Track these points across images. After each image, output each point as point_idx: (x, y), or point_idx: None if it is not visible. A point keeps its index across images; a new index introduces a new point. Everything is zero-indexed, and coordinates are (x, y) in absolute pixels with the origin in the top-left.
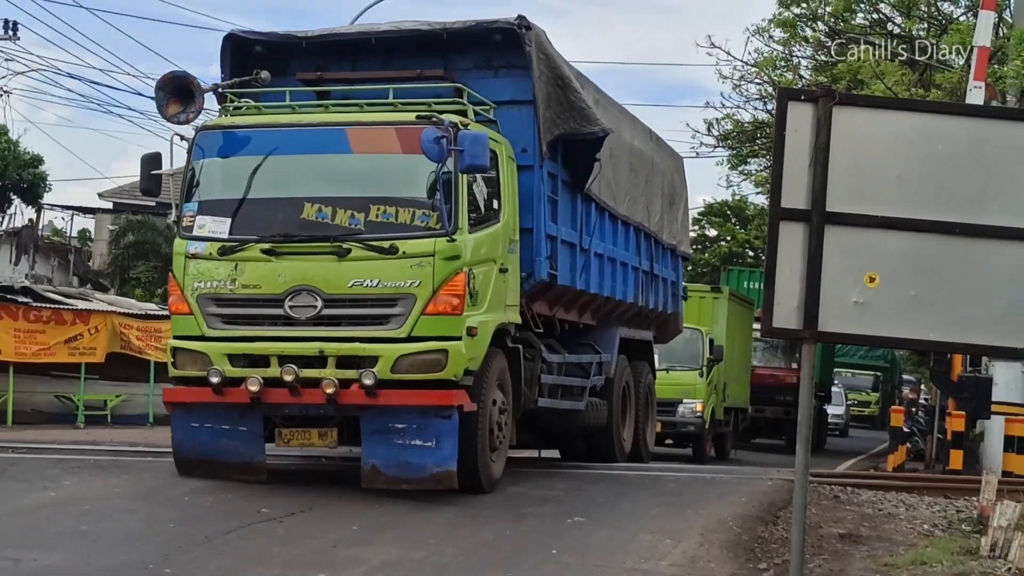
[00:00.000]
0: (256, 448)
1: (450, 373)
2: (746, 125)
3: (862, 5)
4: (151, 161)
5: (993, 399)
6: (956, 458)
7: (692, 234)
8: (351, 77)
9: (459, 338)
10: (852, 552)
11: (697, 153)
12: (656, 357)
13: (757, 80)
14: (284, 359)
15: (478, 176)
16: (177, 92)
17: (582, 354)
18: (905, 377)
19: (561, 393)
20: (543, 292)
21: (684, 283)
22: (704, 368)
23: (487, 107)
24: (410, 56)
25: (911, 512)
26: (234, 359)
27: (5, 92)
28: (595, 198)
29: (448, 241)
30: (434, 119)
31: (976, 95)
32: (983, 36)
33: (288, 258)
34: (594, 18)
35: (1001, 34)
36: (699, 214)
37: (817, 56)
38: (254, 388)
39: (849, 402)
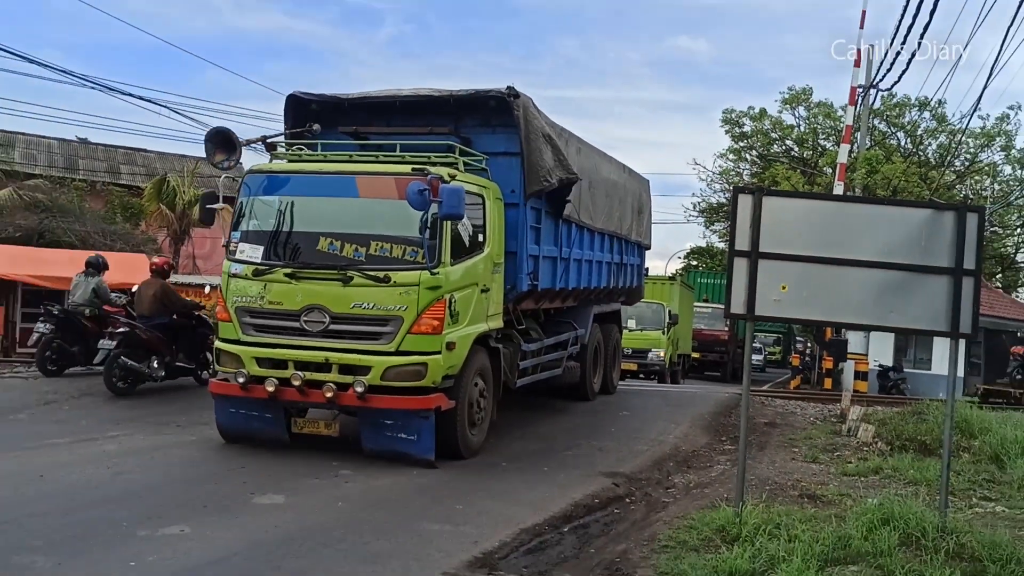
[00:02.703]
0: (280, 430)
1: (429, 381)
2: (714, 205)
3: (777, 143)
4: (208, 197)
5: (848, 351)
6: (828, 383)
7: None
8: (379, 131)
9: (438, 352)
10: (772, 432)
11: (688, 219)
12: (631, 322)
13: (719, 182)
14: (299, 364)
15: (464, 217)
16: (222, 143)
17: (560, 333)
18: (798, 338)
19: (541, 368)
20: (528, 296)
21: (647, 267)
22: (665, 328)
23: (480, 158)
24: (430, 115)
25: (804, 412)
26: (260, 361)
27: None
28: (575, 221)
29: (431, 274)
30: (425, 173)
31: (838, 189)
32: (843, 156)
33: (305, 281)
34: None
35: (852, 154)
36: (687, 253)
37: (752, 168)
38: (271, 388)
39: (764, 352)
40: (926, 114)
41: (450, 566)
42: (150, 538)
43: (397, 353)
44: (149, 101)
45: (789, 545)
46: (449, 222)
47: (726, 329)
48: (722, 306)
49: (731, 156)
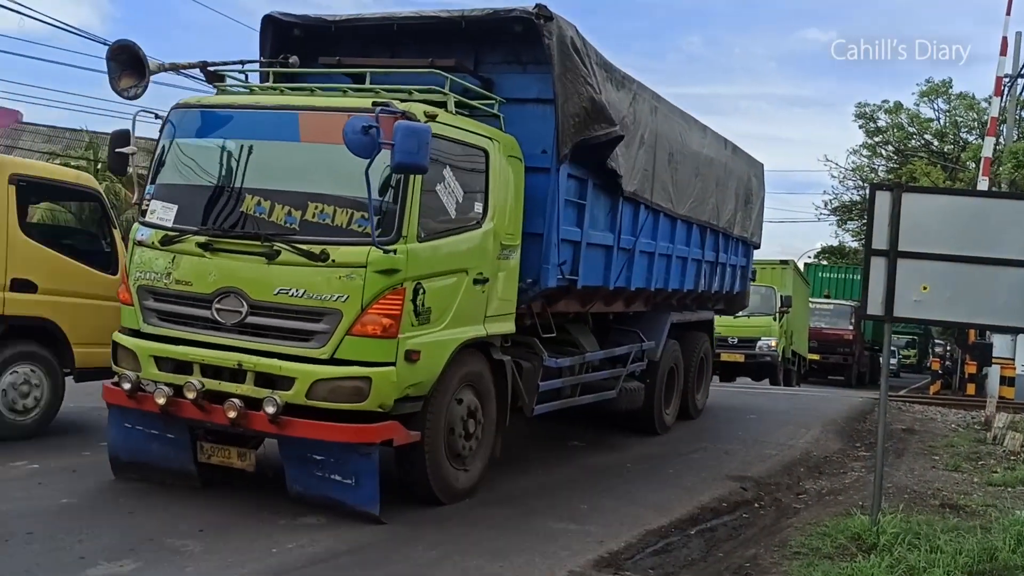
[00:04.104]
0: (185, 456)
1: (374, 403)
2: (847, 203)
3: (914, 137)
4: (119, 139)
5: (993, 355)
6: (971, 389)
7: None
8: (365, 63)
9: (391, 363)
10: (910, 438)
11: (818, 218)
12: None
13: (852, 178)
14: (205, 368)
15: (446, 173)
16: (130, 63)
17: (619, 344)
18: (936, 340)
19: (582, 389)
20: (564, 295)
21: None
22: (776, 315)
23: (491, 102)
24: (440, 45)
25: (944, 418)
26: (160, 361)
27: None
28: (644, 201)
29: (383, 251)
30: (380, 106)
31: (983, 184)
32: (987, 150)
33: (222, 255)
34: (751, 145)
35: (998, 147)
36: (817, 253)
37: (887, 164)
38: (161, 400)
39: (898, 356)
40: None
41: (576, 565)
42: None
43: (332, 361)
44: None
45: (930, 556)
46: (416, 179)
47: (851, 328)
48: (847, 302)
49: (865, 152)
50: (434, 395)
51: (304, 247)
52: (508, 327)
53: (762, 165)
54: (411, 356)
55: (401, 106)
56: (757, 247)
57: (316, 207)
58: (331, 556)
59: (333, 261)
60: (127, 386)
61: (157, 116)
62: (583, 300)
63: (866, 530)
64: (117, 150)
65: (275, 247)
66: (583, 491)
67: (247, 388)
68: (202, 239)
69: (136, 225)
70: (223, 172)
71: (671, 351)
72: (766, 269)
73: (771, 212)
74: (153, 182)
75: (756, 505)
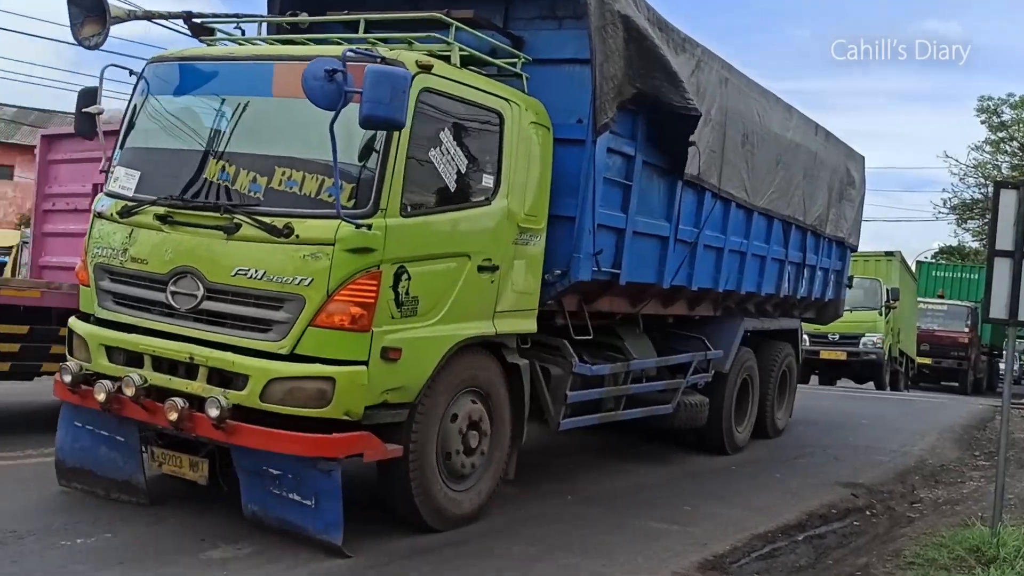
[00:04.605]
0: (133, 464)
1: (339, 410)
2: (968, 201)
3: None
4: (86, 96)
5: None
6: None
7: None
8: (373, 15)
9: (362, 362)
10: None
11: (936, 217)
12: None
13: (973, 176)
14: (156, 361)
15: (444, 137)
16: (94, 9)
17: (677, 352)
18: None
19: (626, 402)
20: (604, 290)
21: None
22: (882, 309)
23: (513, 59)
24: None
25: None
26: (110, 352)
27: None
28: (708, 187)
29: (355, 226)
30: (356, 53)
31: None
32: None
33: (180, 229)
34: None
35: None
36: (935, 254)
37: (1012, 161)
38: (100, 396)
39: (1020, 362)
40: None
41: (679, 566)
42: None
43: (292, 357)
44: None
45: None
46: (400, 140)
47: (967, 331)
48: (962, 303)
49: (987, 148)
50: (423, 403)
51: (266, 220)
52: (526, 325)
53: (863, 157)
54: (388, 354)
55: (387, 53)
56: (854, 249)
57: (283, 173)
58: (434, 549)
59: (297, 237)
60: (67, 378)
61: (132, 72)
62: (632, 299)
63: (986, 542)
64: (84, 110)
65: (235, 220)
66: (684, 493)
67: (198, 386)
68: (160, 210)
69: (99, 196)
70: (191, 134)
71: (744, 362)
72: (870, 261)
73: (884, 210)
74: (122, 147)
75: (868, 513)
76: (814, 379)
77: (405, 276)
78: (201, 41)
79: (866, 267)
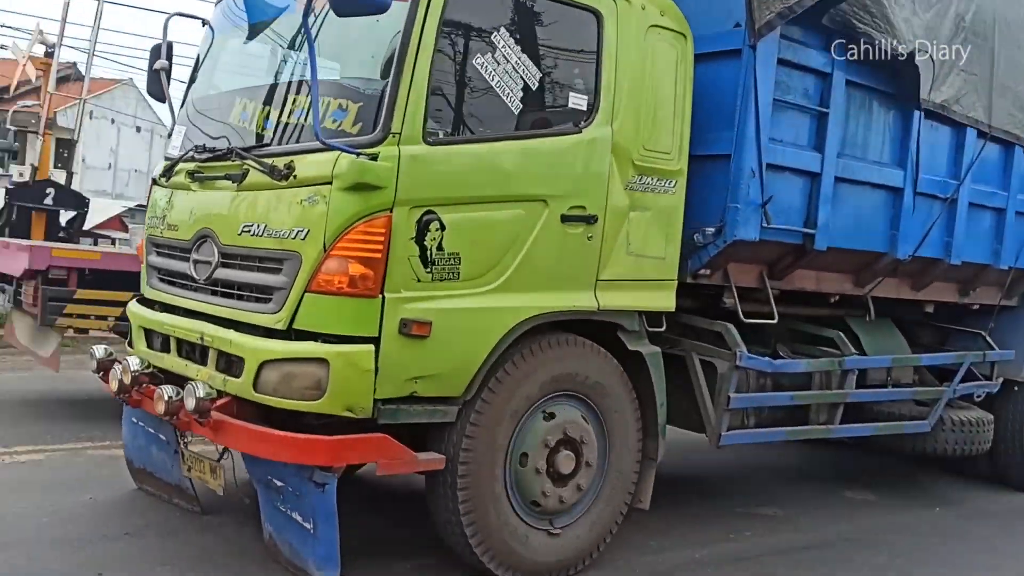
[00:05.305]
0: (177, 467)
1: (338, 404)
2: None
3: None
4: (155, 53)
5: None
6: None
7: None
8: None
9: (368, 339)
10: None
11: None
12: None
13: None
14: (179, 344)
15: (499, 40)
16: None
17: (932, 352)
18: None
19: (842, 414)
20: (797, 258)
21: None
22: None
23: None
24: None
25: None
26: (150, 336)
27: None
28: (966, 121)
29: (354, 156)
30: None
31: None
32: None
33: (206, 185)
34: None
35: None
36: None
37: None
38: (113, 385)
39: None
40: None
41: None
42: None
43: (288, 333)
44: None
45: None
46: (420, 39)
47: None
48: None
49: None
50: (484, 398)
51: (269, 160)
52: (656, 300)
53: None
54: (411, 328)
55: None
56: None
57: (293, 102)
58: (791, 549)
59: (295, 178)
60: (93, 365)
61: (205, 23)
62: (852, 274)
63: None
64: (155, 69)
65: (244, 166)
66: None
67: (206, 372)
68: (191, 166)
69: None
70: (230, 76)
71: None
72: None
73: None
74: (183, 104)
75: None
76: None
77: (436, 225)
78: None
79: None
